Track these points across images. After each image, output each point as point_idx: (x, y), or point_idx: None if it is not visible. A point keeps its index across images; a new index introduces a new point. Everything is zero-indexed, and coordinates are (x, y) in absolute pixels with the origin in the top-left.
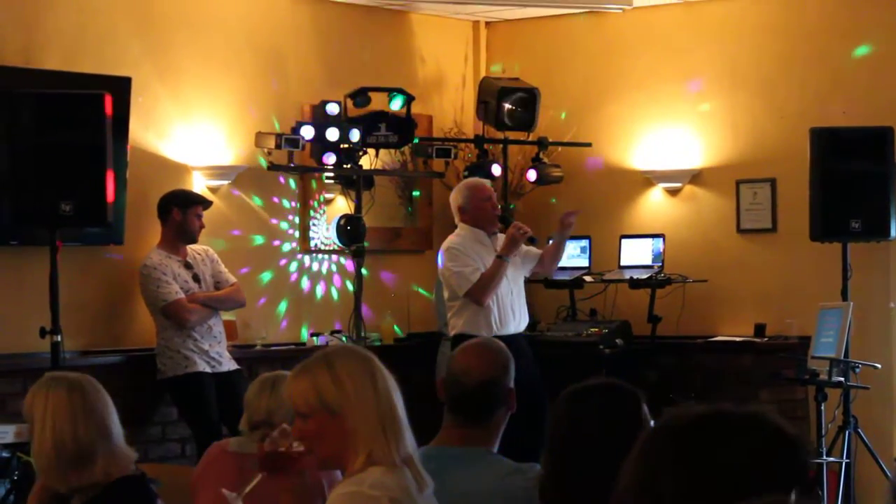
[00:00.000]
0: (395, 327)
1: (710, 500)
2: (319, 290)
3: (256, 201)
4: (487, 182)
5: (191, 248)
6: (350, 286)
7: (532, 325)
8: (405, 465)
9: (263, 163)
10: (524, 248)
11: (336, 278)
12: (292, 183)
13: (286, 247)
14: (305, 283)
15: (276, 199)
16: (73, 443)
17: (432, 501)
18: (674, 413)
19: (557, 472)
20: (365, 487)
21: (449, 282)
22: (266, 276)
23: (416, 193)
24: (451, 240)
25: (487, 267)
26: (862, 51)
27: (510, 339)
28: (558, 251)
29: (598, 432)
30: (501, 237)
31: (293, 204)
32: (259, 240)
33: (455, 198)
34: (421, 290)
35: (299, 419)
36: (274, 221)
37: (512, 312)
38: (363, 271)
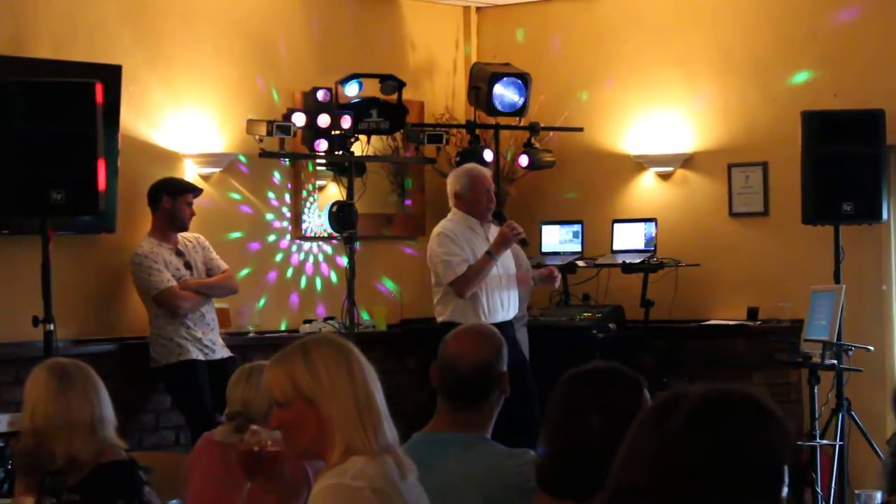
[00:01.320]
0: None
1: (722, 479)
2: (312, 276)
3: (248, 188)
4: (488, 172)
5: (182, 235)
6: (342, 273)
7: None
8: (386, 452)
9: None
10: (520, 252)
11: (328, 265)
12: (284, 170)
13: (278, 234)
14: (298, 270)
15: (267, 187)
16: (43, 423)
17: (417, 488)
18: (672, 395)
19: (556, 455)
20: (347, 479)
21: (436, 268)
22: (258, 264)
23: (407, 181)
24: (443, 225)
25: (477, 255)
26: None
27: (498, 327)
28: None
29: (599, 416)
30: (494, 229)
31: (285, 191)
32: (251, 227)
33: (453, 182)
34: (414, 276)
35: (277, 408)
36: (265, 208)
37: (501, 303)
38: (355, 258)
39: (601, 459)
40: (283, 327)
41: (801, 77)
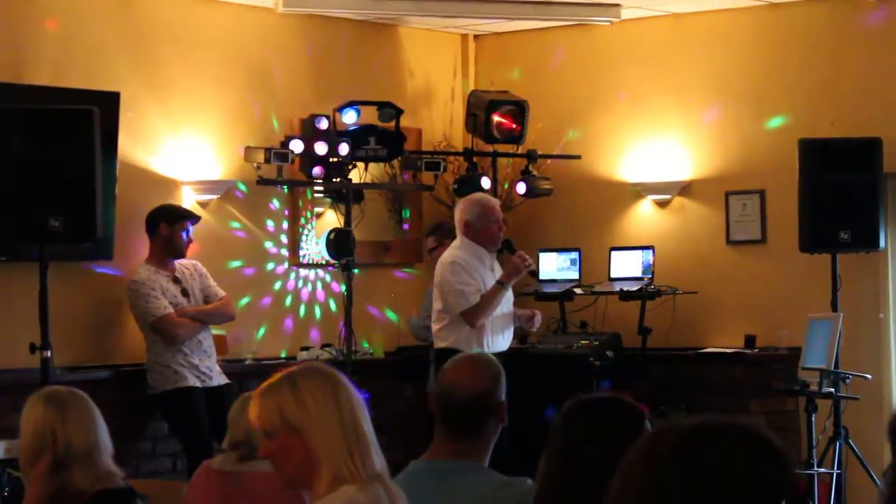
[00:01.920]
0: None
1: None
2: (309, 304)
3: (246, 216)
4: (497, 202)
5: (179, 262)
6: (340, 300)
7: (522, 338)
8: (375, 481)
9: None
10: None
11: (326, 292)
12: (282, 197)
13: (276, 261)
14: (295, 297)
15: (265, 214)
16: (39, 452)
17: None
18: (666, 426)
19: (555, 482)
20: None
21: (446, 296)
22: (256, 291)
23: (405, 209)
24: (454, 253)
25: (485, 285)
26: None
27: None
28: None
29: (598, 446)
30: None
31: (283, 218)
32: (248, 254)
33: (463, 211)
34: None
35: (265, 438)
36: (263, 236)
37: (502, 333)
38: (353, 285)
39: (598, 488)
40: (280, 354)
41: (797, 104)
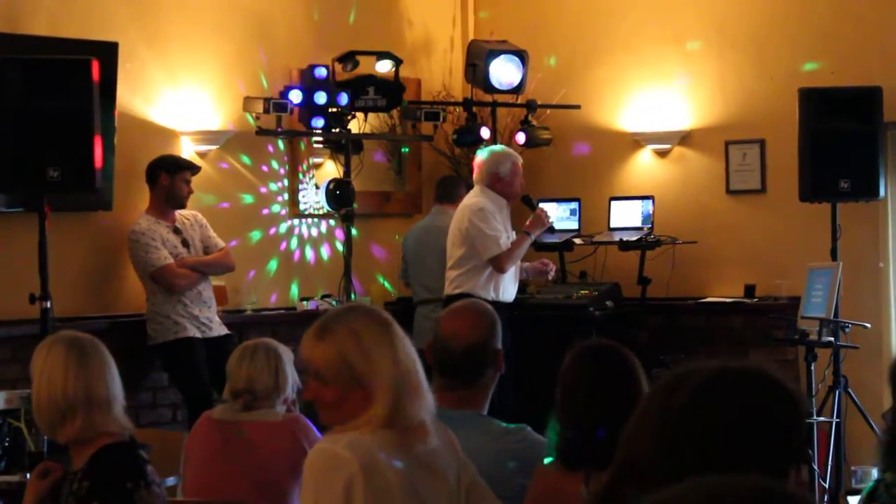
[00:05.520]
0: (388, 286)
1: (725, 456)
2: (309, 254)
3: (245, 166)
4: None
5: (180, 213)
6: (340, 250)
7: (522, 288)
8: (397, 426)
9: (252, 124)
10: None
11: (326, 242)
12: (281, 147)
13: (275, 211)
14: (295, 248)
15: (264, 164)
16: (62, 397)
17: (437, 458)
18: (681, 373)
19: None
20: (339, 447)
21: (474, 241)
22: (255, 241)
23: (405, 158)
24: (480, 201)
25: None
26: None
27: (498, 306)
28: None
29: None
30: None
31: (282, 168)
32: (248, 205)
33: (495, 163)
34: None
35: (316, 381)
36: (263, 186)
37: (513, 283)
38: (353, 235)
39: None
40: (280, 305)
41: (798, 53)
